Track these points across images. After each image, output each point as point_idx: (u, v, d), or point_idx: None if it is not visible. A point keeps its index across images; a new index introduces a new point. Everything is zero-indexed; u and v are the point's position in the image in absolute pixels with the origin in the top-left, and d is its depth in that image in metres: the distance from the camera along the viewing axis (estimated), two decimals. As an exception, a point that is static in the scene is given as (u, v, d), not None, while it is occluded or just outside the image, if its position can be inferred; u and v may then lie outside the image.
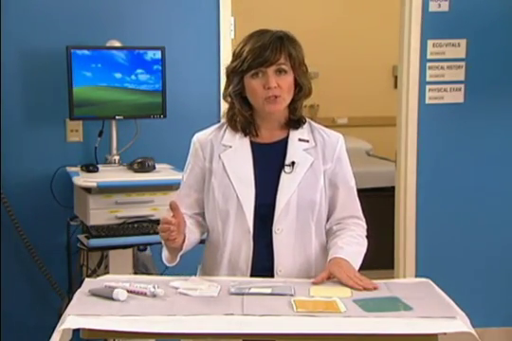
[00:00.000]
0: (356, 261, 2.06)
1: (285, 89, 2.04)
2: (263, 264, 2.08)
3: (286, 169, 2.09)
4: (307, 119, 2.18)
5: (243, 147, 2.12)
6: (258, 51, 2.01)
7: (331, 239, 2.14)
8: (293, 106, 2.11)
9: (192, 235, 2.06)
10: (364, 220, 2.20)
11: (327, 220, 2.17)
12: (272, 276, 2.07)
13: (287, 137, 2.14)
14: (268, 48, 2.01)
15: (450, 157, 3.76)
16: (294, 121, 2.14)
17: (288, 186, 2.07)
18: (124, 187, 3.08)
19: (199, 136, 2.18)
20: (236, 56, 2.07)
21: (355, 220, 2.17)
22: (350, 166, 2.19)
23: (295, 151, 2.11)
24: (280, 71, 2.03)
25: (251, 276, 2.07)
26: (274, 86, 2.02)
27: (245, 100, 2.10)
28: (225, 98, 2.15)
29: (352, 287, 1.91)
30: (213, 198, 2.11)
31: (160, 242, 2.08)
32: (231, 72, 2.08)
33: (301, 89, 2.09)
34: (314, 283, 1.95)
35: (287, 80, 2.05)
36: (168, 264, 2.08)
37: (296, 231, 2.08)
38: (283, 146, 2.13)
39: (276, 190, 2.07)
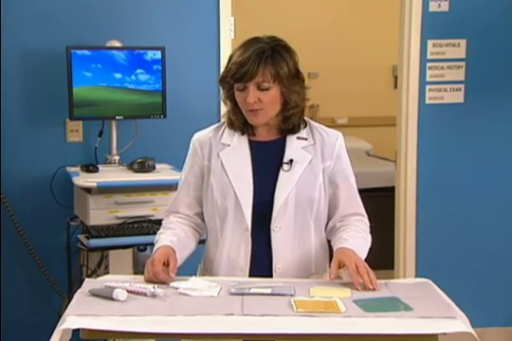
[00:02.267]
0: (362, 254, 2.05)
1: (267, 103, 2.04)
2: (261, 262, 2.08)
3: (284, 166, 2.09)
4: (306, 119, 2.17)
5: (241, 145, 2.13)
6: (238, 66, 2.01)
7: (335, 234, 2.14)
8: (283, 115, 2.10)
9: (185, 251, 2.11)
10: (367, 217, 2.20)
11: (330, 218, 2.17)
12: (271, 273, 2.07)
13: (286, 136, 2.14)
14: (246, 65, 2.00)
15: (450, 157, 3.76)
16: (288, 129, 2.13)
17: (286, 183, 2.07)
18: (124, 187, 3.08)
19: (198, 135, 2.20)
20: (226, 65, 2.08)
21: (358, 217, 2.18)
22: (350, 164, 2.19)
23: (293, 148, 2.11)
24: (260, 88, 2.02)
25: (250, 273, 2.07)
26: (253, 101, 2.02)
27: (237, 104, 2.10)
28: (224, 101, 2.16)
29: (355, 281, 1.91)
30: (212, 196, 2.11)
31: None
32: (220, 80, 2.10)
33: (287, 102, 2.07)
34: (332, 279, 1.93)
35: (269, 95, 2.03)
36: None
37: (294, 229, 2.08)
38: (281, 144, 2.13)
39: (274, 188, 2.07)
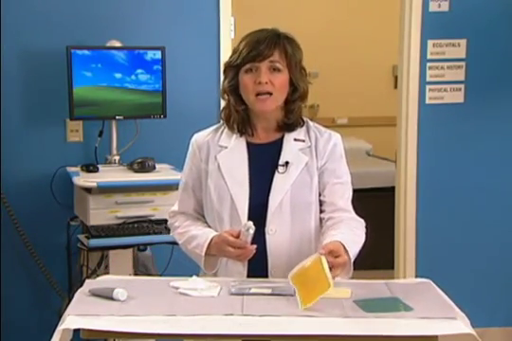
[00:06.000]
0: (352, 247, 1.94)
1: (278, 87, 2.03)
2: (258, 265, 2.07)
3: (280, 169, 2.08)
4: (305, 119, 2.16)
5: (239, 147, 2.12)
6: (253, 45, 2.02)
7: (325, 233, 2.06)
8: (288, 108, 2.10)
9: None
10: (355, 215, 2.13)
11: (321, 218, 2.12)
12: (267, 276, 2.07)
13: (283, 137, 2.14)
14: (263, 43, 2.01)
15: (450, 157, 3.76)
16: (288, 124, 2.12)
17: (281, 186, 2.06)
18: (124, 187, 3.08)
19: (197, 138, 2.19)
20: (233, 52, 2.08)
21: (347, 214, 2.10)
22: (346, 165, 2.16)
23: (290, 150, 2.10)
24: (274, 69, 2.03)
25: (248, 276, 2.07)
26: (265, 81, 2.01)
27: (239, 97, 2.09)
28: (222, 95, 2.15)
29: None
30: (210, 199, 2.11)
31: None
32: (227, 66, 2.09)
33: (295, 90, 2.08)
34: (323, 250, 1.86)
35: (281, 78, 2.04)
36: (209, 272, 2.11)
37: (291, 232, 2.06)
38: (278, 146, 2.12)
39: (269, 191, 2.06)
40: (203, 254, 2.06)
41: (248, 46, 2.02)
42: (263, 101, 2.04)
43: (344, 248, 1.91)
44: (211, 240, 2.05)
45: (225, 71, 2.11)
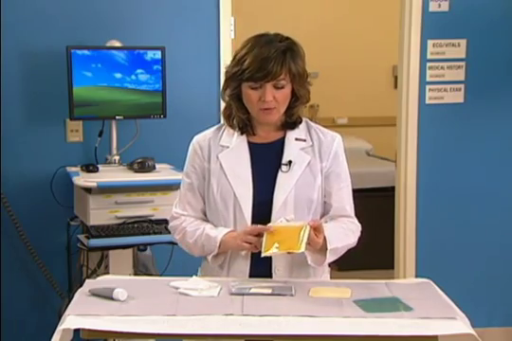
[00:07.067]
0: (337, 240, 2.01)
1: (281, 101, 2.05)
2: (261, 263, 2.07)
3: (283, 168, 2.09)
4: (304, 119, 2.18)
5: (240, 147, 2.13)
6: (260, 64, 2.00)
7: None
8: (290, 112, 2.12)
9: None
10: (357, 220, 2.18)
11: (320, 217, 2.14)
12: (271, 275, 2.07)
13: (284, 137, 2.15)
14: (270, 63, 1.99)
15: (450, 157, 3.76)
16: (290, 123, 2.14)
17: (285, 184, 2.08)
18: (124, 187, 3.08)
19: (197, 138, 2.20)
20: (237, 61, 2.05)
21: (349, 219, 2.15)
22: (347, 166, 2.18)
23: (292, 150, 2.12)
24: (278, 86, 2.03)
25: (250, 274, 2.07)
26: (270, 100, 2.03)
27: (242, 103, 2.10)
28: (223, 98, 2.16)
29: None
30: (213, 198, 2.11)
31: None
32: (230, 77, 2.08)
33: (297, 98, 2.10)
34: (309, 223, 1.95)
35: (284, 93, 2.05)
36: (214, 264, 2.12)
37: None
38: (280, 145, 2.13)
39: (273, 189, 2.07)
40: (218, 243, 2.04)
41: (254, 65, 2.00)
42: (267, 115, 2.06)
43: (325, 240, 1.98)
44: (227, 232, 2.05)
45: (226, 80, 2.10)
